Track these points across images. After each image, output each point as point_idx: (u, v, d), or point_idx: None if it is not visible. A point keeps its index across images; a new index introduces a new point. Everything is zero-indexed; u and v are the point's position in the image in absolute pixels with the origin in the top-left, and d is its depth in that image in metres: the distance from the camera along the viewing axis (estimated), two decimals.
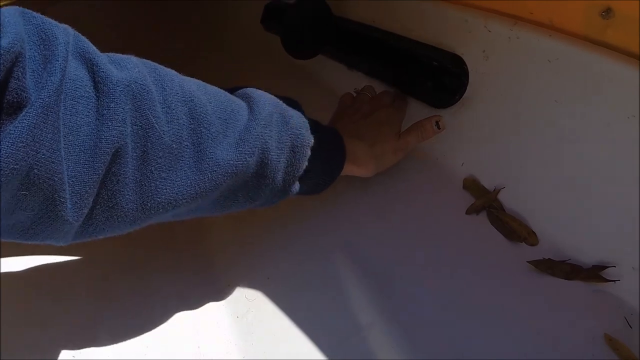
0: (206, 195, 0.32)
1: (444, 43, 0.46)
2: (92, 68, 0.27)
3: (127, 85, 0.28)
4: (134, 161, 0.28)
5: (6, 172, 0.23)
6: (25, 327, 0.39)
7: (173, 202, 0.30)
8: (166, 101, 0.30)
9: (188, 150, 0.30)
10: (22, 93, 0.23)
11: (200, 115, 0.31)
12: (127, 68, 0.29)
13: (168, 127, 0.29)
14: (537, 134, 0.40)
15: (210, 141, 0.31)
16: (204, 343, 0.38)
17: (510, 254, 0.38)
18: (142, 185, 0.29)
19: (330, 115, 0.50)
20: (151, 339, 0.38)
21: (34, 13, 0.26)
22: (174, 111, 0.30)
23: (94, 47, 0.28)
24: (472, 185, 0.44)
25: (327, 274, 0.41)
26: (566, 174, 0.38)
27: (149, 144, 0.29)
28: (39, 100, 0.24)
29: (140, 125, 0.28)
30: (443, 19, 0.46)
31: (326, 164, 0.39)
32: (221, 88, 0.36)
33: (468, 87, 0.45)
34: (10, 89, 0.23)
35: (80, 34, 0.28)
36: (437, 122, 0.44)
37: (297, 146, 0.36)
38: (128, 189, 0.28)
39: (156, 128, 0.29)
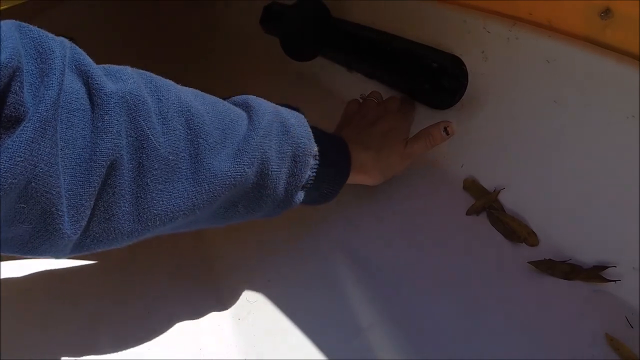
0: (204, 207, 0.31)
1: (443, 44, 0.46)
2: (87, 80, 0.27)
3: (122, 97, 0.28)
4: (130, 173, 0.28)
5: (4, 187, 0.23)
6: (25, 327, 0.39)
7: (170, 214, 0.30)
8: (162, 112, 0.30)
9: (185, 161, 0.30)
10: (20, 107, 0.23)
11: (197, 125, 0.31)
12: (122, 79, 0.29)
13: (164, 138, 0.29)
14: (537, 134, 0.40)
15: (208, 152, 0.31)
16: (206, 345, 0.38)
17: (511, 255, 0.39)
18: (138, 197, 0.29)
19: (330, 117, 0.50)
20: (153, 341, 0.38)
21: (31, 26, 0.26)
22: (170, 122, 0.30)
23: (90, 59, 0.28)
24: (472, 186, 0.44)
25: (327, 276, 0.41)
26: (566, 174, 0.38)
27: (144, 155, 0.28)
28: (37, 114, 0.24)
29: (136, 137, 0.28)
30: (442, 20, 0.46)
31: (331, 173, 0.38)
32: (222, 96, 0.36)
33: (467, 88, 0.45)
34: (8, 103, 0.23)
35: (76, 46, 0.28)
36: (445, 128, 0.43)
37: (299, 155, 0.35)
38: (124, 201, 0.28)
39: (151, 139, 0.28)
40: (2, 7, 0.59)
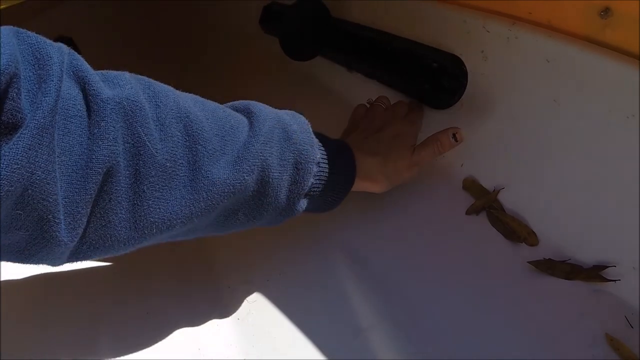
0: (202, 215, 0.31)
1: (443, 44, 0.46)
2: (84, 87, 0.27)
3: (118, 103, 0.27)
4: (127, 179, 0.28)
5: (1, 194, 0.22)
6: (25, 327, 0.39)
7: (167, 222, 0.29)
8: (160, 118, 0.29)
9: (183, 168, 0.30)
10: (17, 114, 0.23)
11: (196, 132, 0.30)
12: (120, 85, 0.28)
13: (161, 145, 0.29)
14: (537, 134, 0.40)
15: (206, 159, 0.30)
16: (205, 345, 0.38)
17: (511, 254, 0.38)
18: (134, 204, 0.28)
19: (330, 116, 0.50)
20: (152, 341, 0.38)
21: (29, 32, 0.26)
22: (168, 128, 0.29)
23: (88, 65, 0.28)
24: (471, 185, 0.44)
25: (327, 276, 0.41)
26: (566, 174, 0.38)
27: (140, 162, 0.28)
28: (34, 121, 0.24)
29: (132, 144, 0.28)
30: (442, 19, 0.46)
31: (335, 180, 0.37)
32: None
33: (467, 88, 0.45)
34: (5, 110, 0.23)
35: (74, 52, 0.28)
36: (454, 135, 0.42)
37: (301, 162, 0.34)
38: (120, 208, 0.28)
39: (148, 146, 0.28)
40: (1, 7, 0.59)
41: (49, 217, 0.25)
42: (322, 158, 0.36)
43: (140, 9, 0.90)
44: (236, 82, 0.74)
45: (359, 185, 0.40)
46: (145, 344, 0.38)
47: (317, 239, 0.45)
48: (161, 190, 0.29)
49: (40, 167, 0.24)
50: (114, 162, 0.27)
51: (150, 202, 0.29)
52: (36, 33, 0.26)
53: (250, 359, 0.36)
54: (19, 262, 0.27)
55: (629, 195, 0.34)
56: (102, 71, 0.29)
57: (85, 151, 0.26)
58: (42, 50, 0.25)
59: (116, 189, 0.27)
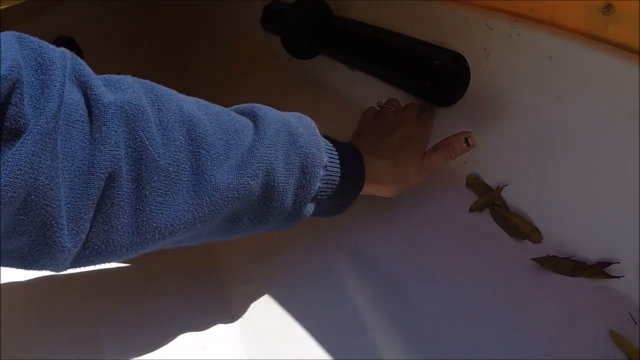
0: (205, 220, 0.30)
1: (445, 41, 0.46)
2: (85, 91, 0.27)
3: (120, 107, 0.27)
4: (129, 184, 0.28)
5: (4, 200, 0.22)
6: (25, 327, 0.39)
7: (169, 227, 0.29)
8: (162, 122, 0.29)
9: (186, 173, 0.29)
10: (21, 119, 0.23)
11: (199, 136, 0.30)
12: (122, 89, 0.28)
13: (164, 149, 0.29)
14: (539, 130, 0.40)
15: (210, 163, 0.30)
16: (208, 343, 0.38)
17: (514, 252, 0.38)
18: (137, 209, 0.28)
19: (332, 115, 0.50)
20: (155, 340, 0.38)
21: (31, 37, 0.25)
22: (170, 132, 0.29)
23: (90, 70, 0.28)
24: (475, 182, 0.44)
25: (329, 274, 0.41)
26: (568, 170, 0.38)
27: (142, 167, 0.28)
28: (37, 127, 0.23)
29: (134, 148, 0.28)
30: (443, 17, 0.46)
31: (343, 184, 0.36)
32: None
33: (470, 85, 0.45)
34: (8, 116, 0.22)
35: (77, 57, 0.28)
36: (466, 139, 0.41)
37: (307, 166, 0.34)
38: (123, 212, 0.28)
39: (150, 151, 0.28)
40: (2, 7, 0.59)
41: (52, 222, 0.25)
42: (329, 161, 0.35)
43: (141, 9, 0.90)
44: (237, 82, 0.74)
45: (368, 189, 0.39)
46: (148, 343, 0.38)
47: (319, 237, 0.44)
48: (164, 195, 0.29)
49: (43, 173, 0.24)
50: (116, 167, 0.27)
51: (152, 207, 0.28)
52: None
53: (254, 357, 0.36)
54: (22, 268, 0.27)
55: (632, 191, 0.34)
56: (104, 75, 0.29)
57: (87, 156, 0.26)
58: (44, 55, 0.25)
59: (118, 194, 0.27)
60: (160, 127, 0.29)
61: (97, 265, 0.42)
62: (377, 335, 0.35)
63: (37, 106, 0.24)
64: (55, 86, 0.25)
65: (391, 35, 0.51)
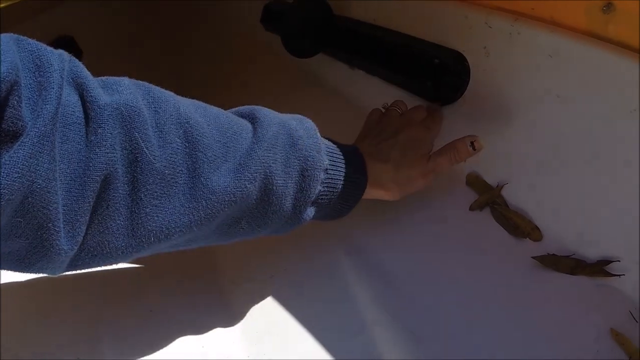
0: (202, 224, 0.30)
1: (445, 40, 0.46)
2: (82, 93, 0.27)
3: (116, 109, 0.27)
4: (125, 186, 0.27)
5: (2, 203, 0.22)
6: (25, 327, 0.39)
7: (165, 230, 0.29)
8: (159, 124, 0.29)
9: (182, 175, 0.29)
10: (18, 122, 0.23)
11: (196, 138, 0.29)
12: (118, 91, 0.28)
13: (160, 151, 0.28)
14: (539, 129, 0.40)
15: (207, 166, 0.30)
16: (208, 342, 0.38)
17: (515, 250, 0.38)
18: (132, 211, 0.28)
19: (332, 114, 0.49)
20: (155, 339, 0.38)
21: (29, 39, 0.25)
22: (167, 135, 0.29)
23: (87, 72, 0.28)
24: (475, 181, 0.44)
25: (330, 273, 0.41)
26: (569, 169, 0.38)
27: (138, 169, 0.27)
28: (35, 129, 0.23)
29: (130, 150, 0.27)
30: (443, 16, 0.46)
31: (344, 187, 0.36)
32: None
33: (470, 84, 0.45)
34: (6, 118, 0.22)
35: (75, 59, 0.28)
36: (472, 143, 0.40)
37: (307, 169, 0.33)
38: (118, 215, 0.28)
39: (146, 153, 0.27)
40: (2, 5, 0.59)
41: (48, 225, 0.25)
42: (330, 164, 0.35)
43: (141, 9, 0.90)
44: (238, 81, 0.74)
45: (371, 193, 0.38)
46: (148, 343, 0.38)
47: (320, 235, 0.44)
48: (159, 198, 0.28)
49: (41, 176, 0.24)
50: (112, 169, 0.27)
51: (147, 210, 0.28)
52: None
53: (254, 356, 0.36)
54: (19, 271, 0.27)
55: (632, 189, 0.34)
56: (101, 77, 0.29)
57: (83, 159, 0.26)
58: (42, 57, 0.25)
59: (114, 196, 0.27)
60: (156, 129, 0.29)
61: (99, 267, 0.42)
62: (378, 334, 0.35)
63: (35, 108, 0.24)
64: (53, 88, 0.25)
65: (391, 34, 0.51)
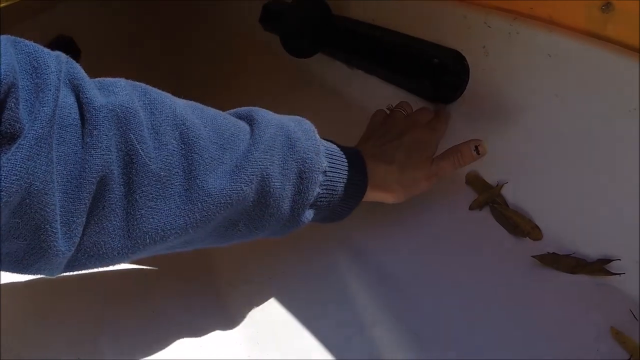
0: (197, 226, 0.30)
1: (444, 40, 0.46)
2: (78, 95, 0.27)
3: (112, 110, 0.27)
4: (121, 188, 0.27)
5: (0, 205, 0.22)
6: (25, 327, 0.39)
7: (160, 232, 0.29)
8: (155, 126, 0.29)
9: (178, 177, 0.29)
10: (16, 124, 0.23)
11: (192, 140, 0.29)
12: (114, 92, 0.28)
13: (155, 153, 0.28)
14: (539, 128, 0.40)
15: (202, 168, 0.29)
16: (208, 343, 0.38)
17: (514, 249, 0.38)
18: (128, 212, 0.28)
19: (331, 114, 0.49)
20: (154, 340, 0.38)
21: (26, 41, 0.25)
22: (163, 136, 0.29)
23: (84, 73, 0.28)
24: (474, 180, 0.44)
25: (329, 273, 0.41)
26: (568, 168, 0.38)
27: (133, 171, 0.27)
28: (32, 132, 0.23)
29: (126, 152, 0.27)
30: (442, 15, 0.46)
31: (344, 190, 0.35)
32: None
33: (469, 83, 0.45)
34: (3, 120, 0.22)
35: (72, 60, 0.28)
36: (476, 147, 0.40)
37: (305, 172, 0.33)
38: (114, 215, 0.27)
39: (141, 154, 0.27)
40: (1, 5, 0.59)
41: (46, 226, 0.25)
42: (329, 166, 0.34)
43: (141, 9, 0.90)
44: (237, 81, 0.74)
45: (372, 195, 0.38)
46: (148, 344, 0.38)
47: (318, 237, 0.44)
48: (155, 199, 0.28)
49: (38, 178, 0.24)
50: (107, 170, 0.27)
51: (143, 212, 0.28)
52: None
53: (254, 357, 0.36)
54: (17, 272, 0.27)
55: (632, 188, 0.34)
56: (98, 79, 0.29)
57: (79, 160, 0.26)
58: (39, 59, 0.25)
59: (110, 197, 0.27)
60: (152, 131, 0.28)
61: (97, 268, 0.42)
62: (378, 335, 0.35)
63: (32, 110, 0.24)
64: (50, 90, 0.25)
65: (390, 34, 0.51)
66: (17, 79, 0.23)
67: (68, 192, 0.26)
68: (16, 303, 0.41)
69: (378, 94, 0.54)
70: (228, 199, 0.30)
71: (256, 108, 0.34)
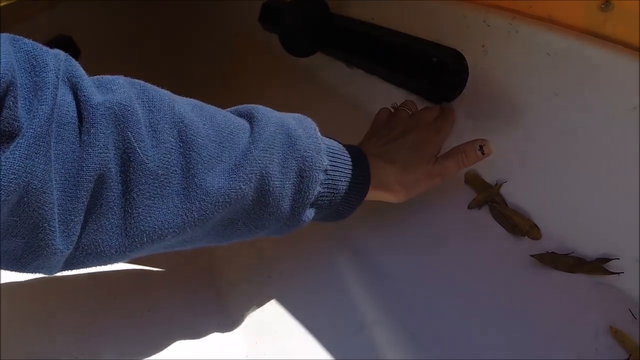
0: (196, 225, 0.30)
1: (443, 39, 0.46)
2: (76, 93, 0.27)
3: (109, 108, 0.27)
4: (119, 186, 0.27)
5: None
6: (25, 327, 0.39)
7: (158, 231, 0.28)
8: (153, 124, 0.28)
9: (176, 176, 0.29)
10: (14, 122, 0.23)
11: (190, 138, 0.29)
12: (112, 90, 0.28)
13: (153, 151, 0.28)
14: (538, 127, 0.40)
15: (201, 167, 0.29)
16: (206, 343, 0.38)
17: (513, 248, 0.38)
18: (125, 211, 0.28)
19: (331, 113, 0.49)
20: (153, 340, 0.38)
21: (25, 39, 0.25)
22: (161, 134, 0.28)
23: (82, 71, 0.28)
24: (473, 179, 0.44)
25: (328, 272, 0.41)
26: (568, 167, 0.38)
27: (131, 169, 0.27)
28: (31, 130, 0.23)
29: (123, 150, 0.27)
30: (441, 14, 0.46)
31: (346, 189, 0.35)
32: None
33: (468, 82, 0.45)
34: (2, 119, 0.22)
35: (71, 58, 0.28)
36: (481, 147, 0.39)
37: (306, 170, 0.33)
38: (112, 213, 0.27)
39: (138, 153, 0.27)
40: (1, 4, 0.59)
41: (44, 225, 0.25)
42: (331, 165, 0.34)
43: (140, 9, 0.90)
44: (237, 81, 0.74)
45: (374, 195, 0.38)
46: (147, 343, 0.38)
47: (317, 236, 0.44)
48: (152, 198, 0.28)
49: (36, 177, 0.24)
50: (105, 169, 0.26)
51: (140, 210, 0.28)
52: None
53: (253, 356, 0.36)
54: (15, 270, 0.27)
55: (631, 187, 0.34)
56: (97, 76, 0.29)
57: (77, 159, 0.26)
58: (38, 57, 0.25)
59: (107, 195, 0.27)
60: (150, 129, 0.28)
61: (96, 267, 0.42)
62: (377, 334, 0.35)
63: (31, 109, 0.24)
64: (49, 88, 0.25)
65: (389, 33, 0.51)
66: (16, 77, 0.23)
67: (66, 190, 0.26)
68: (16, 303, 0.41)
69: (377, 93, 0.54)
70: (227, 197, 0.30)
71: (257, 105, 0.34)
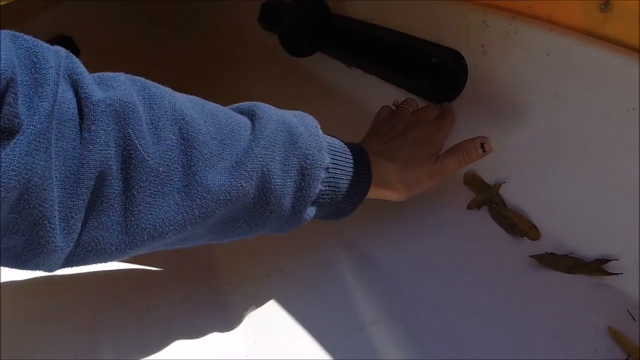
0: (196, 223, 0.30)
1: (443, 39, 0.46)
2: (77, 90, 0.27)
3: (110, 105, 0.27)
4: (120, 183, 0.27)
5: None
6: (25, 327, 0.39)
7: (158, 228, 0.28)
8: (154, 121, 0.28)
9: (177, 173, 0.29)
10: (15, 119, 0.23)
11: (191, 135, 0.29)
12: (113, 87, 0.28)
13: (154, 148, 0.28)
14: (537, 127, 0.40)
15: (202, 164, 0.29)
16: (206, 342, 0.38)
17: (512, 249, 0.38)
18: (126, 208, 0.28)
19: (330, 112, 0.49)
20: (153, 339, 0.38)
21: (25, 36, 0.25)
22: (162, 131, 0.28)
23: (83, 68, 0.28)
24: (472, 180, 0.44)
25: (328, 271, 0.41)
26: (567, 168, 0.38)
27: (131, 166, 0.27)
28: (31, 127, 0.23)
29: (124, 147, 0.27)
30: (441, 14, 0.46)
31: (347, 187, 0.35)
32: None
33: (467, 82, 0.45)
34: (2, 115, 0.22)
35: (72, 55, 0.28)
36: (482, 145, 0.39)
37: (307, 168, 0.32)
38: (113, 211, 0.27)
39: (139, 150, 0.27)
40: (2, 3, 0.59)
41: (44, 222, 0.25)
42: (332, 163, 0.34)
43: (140, 9, 0.90)
44: (237, 80, 0.74)
45: (375, 193, 0.37)
46: (147, 343, 0.38)
47: (317, 234, 0.44)
48: (153, 195, 0.28)
49: (37, 174, 0.24)
50: (106, 165, 0.26)
51: (141, 208, 0.28)
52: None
53: (252, 356, 0.36)
54: (15, 268, 0.27)
55: (631, 188, 0.34)
56: (98, 73, 0.29)
57: (78, 156, 0.26)
58: (38, 54, 0.25)
59: (108, 192, 0.27)
60: (151, 126, 0.28)
61: (96, 266, 0.42)
62: (377, 334, 0.35)
63: (31, 105, 0.24)
64: (49, 85, 0.24)
65: (388, 33, 0.51)
66: (16, 73, 0.23)
67: (66, 187, 0.26)
68: (16, 303, 0.41)
69: (377, 93, 0.54)
70: (227, 195, 0.30)
71: (258, 103, 0.34)
